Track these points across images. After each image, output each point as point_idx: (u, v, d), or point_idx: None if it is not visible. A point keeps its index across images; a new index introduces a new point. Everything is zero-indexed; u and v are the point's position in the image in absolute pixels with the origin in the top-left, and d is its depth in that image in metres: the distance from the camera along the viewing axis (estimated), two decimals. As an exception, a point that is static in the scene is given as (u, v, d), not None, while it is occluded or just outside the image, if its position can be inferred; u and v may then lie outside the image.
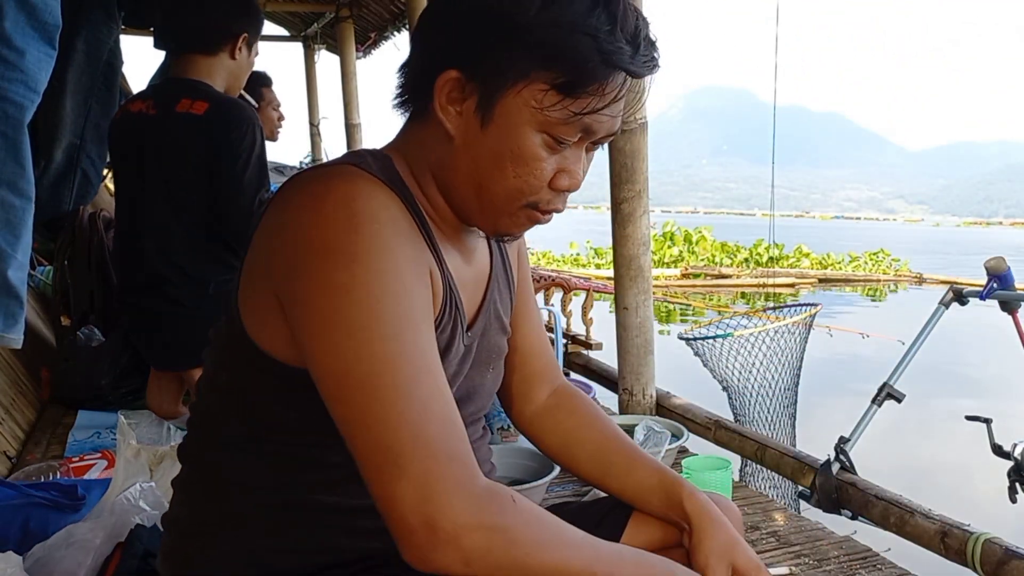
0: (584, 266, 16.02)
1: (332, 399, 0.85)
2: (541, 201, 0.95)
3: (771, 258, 17.00)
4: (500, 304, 1.12)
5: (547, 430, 1.22)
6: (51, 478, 2.10)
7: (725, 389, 3.73)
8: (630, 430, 2.33)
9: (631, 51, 0.89)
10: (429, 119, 0.96)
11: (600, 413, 1.22)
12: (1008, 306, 2.53)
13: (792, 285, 15.02)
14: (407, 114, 1.01)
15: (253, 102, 3.41)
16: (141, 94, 2.70)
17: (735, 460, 2.87)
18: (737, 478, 3.10)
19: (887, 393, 2.50)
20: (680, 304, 12.86)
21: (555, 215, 1.01)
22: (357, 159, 0.96)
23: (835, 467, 2.37)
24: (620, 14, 0.89)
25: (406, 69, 0.99)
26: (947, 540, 1.96)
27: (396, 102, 1.00)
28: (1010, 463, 2.37)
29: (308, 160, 6.48)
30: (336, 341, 0.84)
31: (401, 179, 0.98)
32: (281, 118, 3.82)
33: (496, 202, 0.95)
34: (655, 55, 0.92)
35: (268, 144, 2.74)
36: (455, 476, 0.79)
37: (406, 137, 1.01)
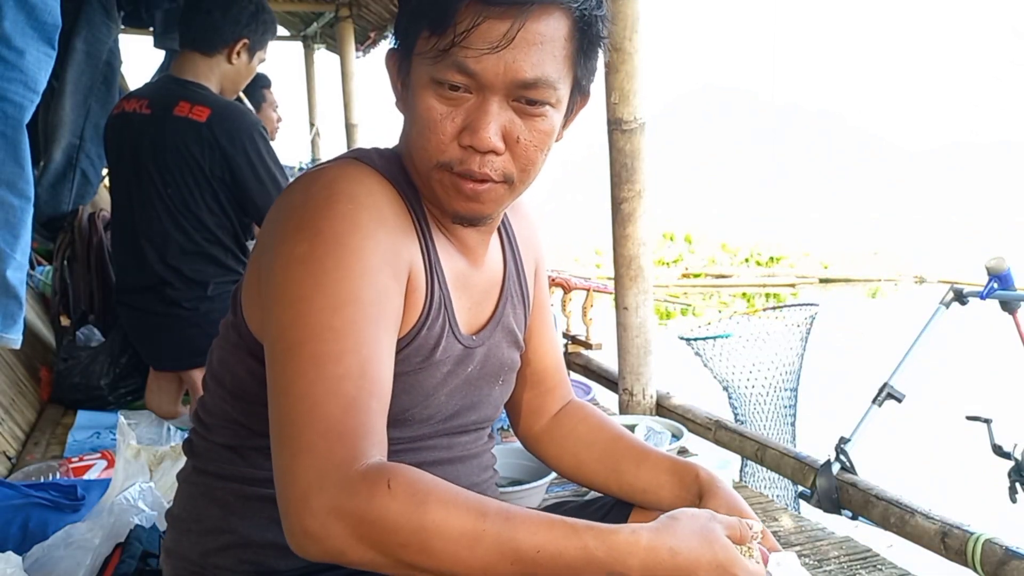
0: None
1: (267, 363, 0.85)
2: (453, 161, 0.92)
3: (771, 258, 16.99)
4: (513, 318, 1.12)
5: (556, 440, 1.21)
6: (51, 478, 2.10)
7: (725, 389, 3.72)
8: (630, 430, 2.33)
9: None
10: None
11: (608, 418, 1.22)
12: (1008, 306, 2.52)
13: (792, 285, 15.01)
14: None
15: (250, 105, 3.41)
16: (135, 92, 2.68)
17: (735, 460, 2.87)
18: (737, 478, 3.10)
19: (887, 393, 2.49)
20: (680, 304, 12.86)
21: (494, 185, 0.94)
22: (361, 153, 0.98)
23: (835, 467, 2.37)
24: None
25: None
26: (947, 540, 1.96)
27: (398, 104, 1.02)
28: (1010, 463, 2.37)
29: (309, 161, 6.48)
30: (281, 310, 0.84)
31: (407, 176, 0.99)
32: (279, 119, 3.82)
33: (417, 166, 0.95)
34: None
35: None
36: (336, 456, 0.76)
37: (399, 135, 1.03)
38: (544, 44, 0.88)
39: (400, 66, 0.96)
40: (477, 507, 0.76)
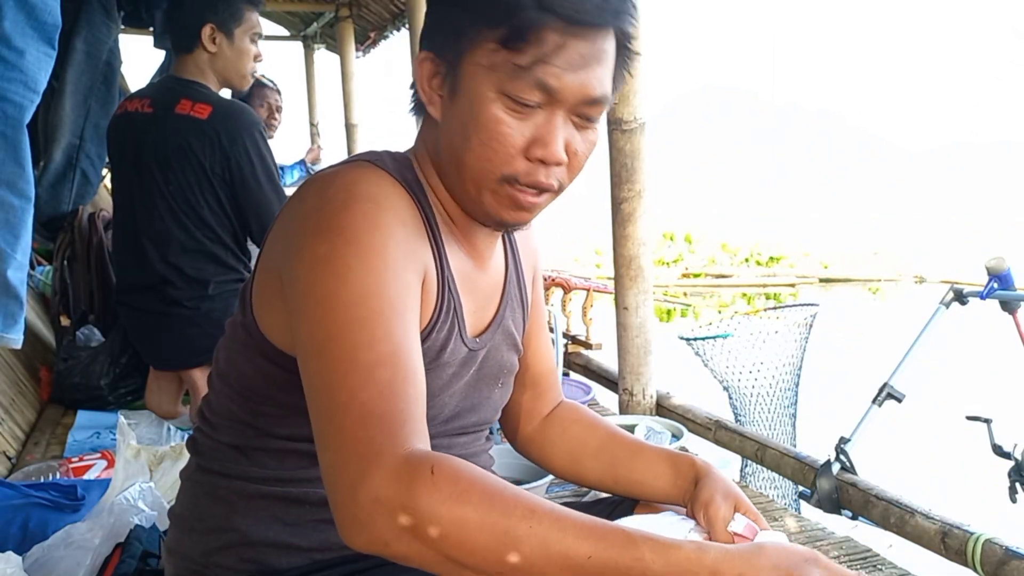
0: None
1: (300, 369, 0.85)
2: (519, 174, 0.92)
3: (771, 258, 16.99)
4: (512, 321, 1.12)
5: (550, 440, 1.22)
6: (51, 478, 2.10)
7: (725, 389, 3.72)
8: (630, 430, 2.33)
9: None
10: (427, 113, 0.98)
11: (600, 417, 1.23)
12: (1008, 306, 2.53)
13: (792, 285, 15.01)
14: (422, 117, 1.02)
15: (273, 85, 3.42)
16: (138, 92, 2.69)
17: (735, 460, 2.87)
18: (737, 478, 3.10)
19: (887, 393, 2.50)
20: (680, 304, 12.86)
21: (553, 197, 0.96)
22: (373, 156, 0.98)
23: (835, 467, 2.37)
24: None
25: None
26: (947, 540, 1.96)
27: (411, 107, 1.02)
28: (1010, 463, 2.37)
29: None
30: (309, 311, 0.84)
31: (417, 178, 0.99)
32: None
33: (473, 177, 0.94)
34: (603, 2, 0.89)
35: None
36: (376, 443, 0.74)
37: (417, 137, 1.03)
38: (604, 62, 0.91)
39: (447, 71, 0.94)
40: (525, 504, 0.73)
